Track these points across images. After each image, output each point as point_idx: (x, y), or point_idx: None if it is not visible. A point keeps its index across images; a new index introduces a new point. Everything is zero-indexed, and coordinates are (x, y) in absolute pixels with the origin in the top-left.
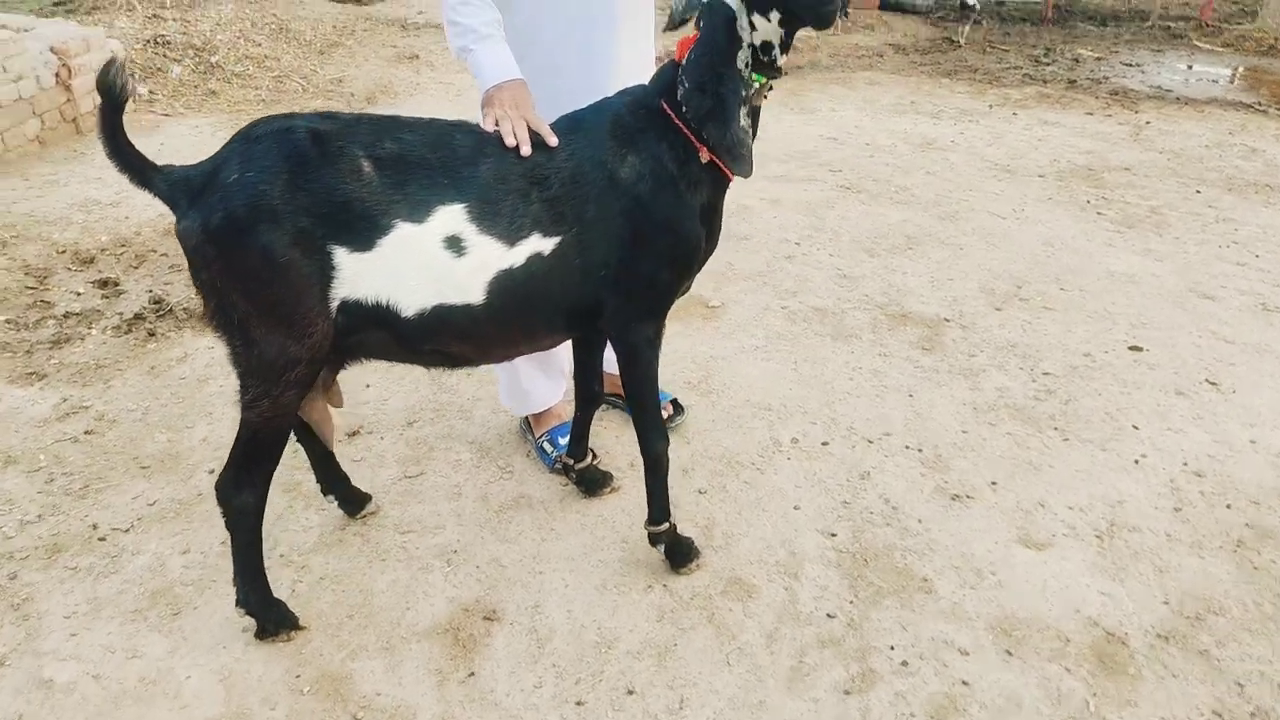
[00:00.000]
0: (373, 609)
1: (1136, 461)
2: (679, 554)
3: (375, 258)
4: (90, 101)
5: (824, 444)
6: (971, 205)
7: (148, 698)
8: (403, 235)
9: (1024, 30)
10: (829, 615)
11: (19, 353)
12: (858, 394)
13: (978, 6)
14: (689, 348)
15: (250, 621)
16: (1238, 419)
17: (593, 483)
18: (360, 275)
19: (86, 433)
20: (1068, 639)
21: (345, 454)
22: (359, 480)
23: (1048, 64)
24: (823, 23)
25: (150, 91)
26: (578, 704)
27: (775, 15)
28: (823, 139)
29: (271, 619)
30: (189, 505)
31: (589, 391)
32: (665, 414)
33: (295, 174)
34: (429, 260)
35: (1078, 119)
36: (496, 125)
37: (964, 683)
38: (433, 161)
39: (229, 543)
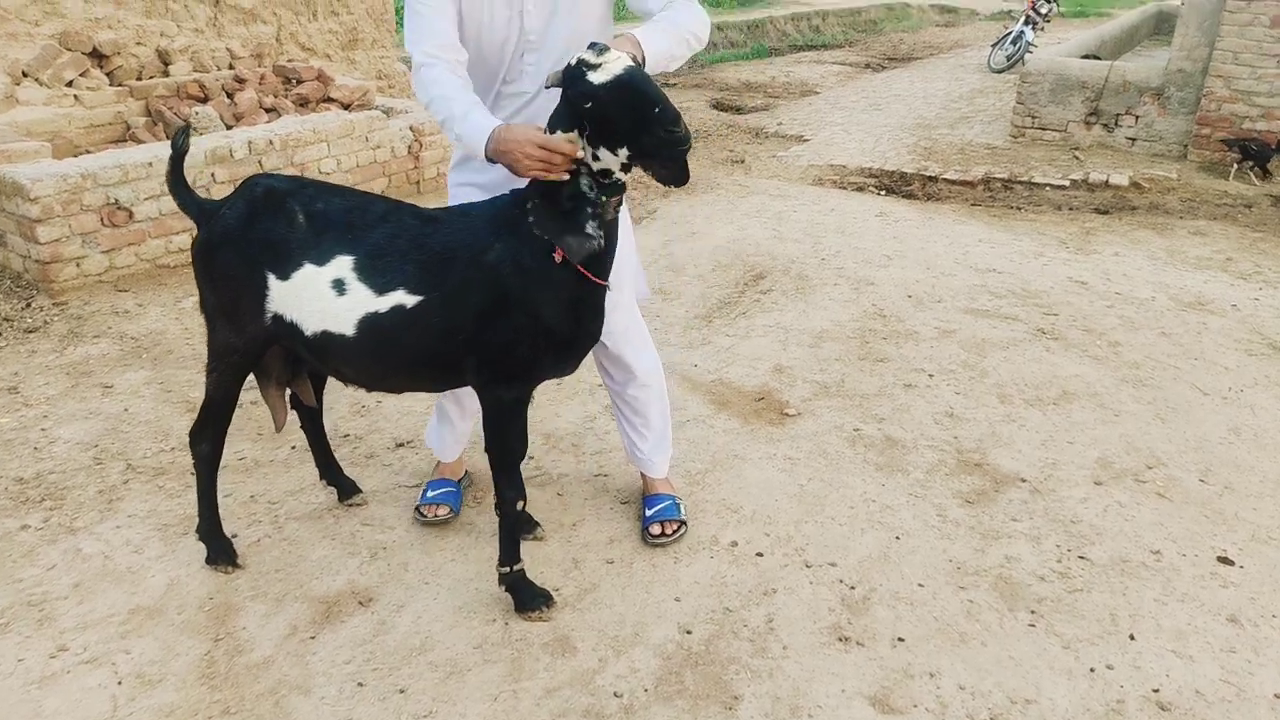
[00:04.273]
0: (294, 570)
1: (1093, 670)
2: (521, 599)
3: (290, 286)
4: (435, 169)
5: (758, 554)
6: (1179, 375)
7: (120, 579)
8: (308, 273)
9: None
10: (615, 694)
11: None
12: (841, 523)
13: None
14: (724, 443)
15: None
16: None
17: (520, 525)
18: (282, 297)
19: (252, 402)
20: None
21: (385, 459)
22: (380, 480)
23: None
24: (677, 180)
25: None
26: (359, 685)
27: (624, 152)
28: (1070, 281)
29: (215, 549)
30: (260, 464)
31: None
32: (669, 530)
33: (252, 217)
34: (320, 295)
35: None
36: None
37: None
38: (346, 222)
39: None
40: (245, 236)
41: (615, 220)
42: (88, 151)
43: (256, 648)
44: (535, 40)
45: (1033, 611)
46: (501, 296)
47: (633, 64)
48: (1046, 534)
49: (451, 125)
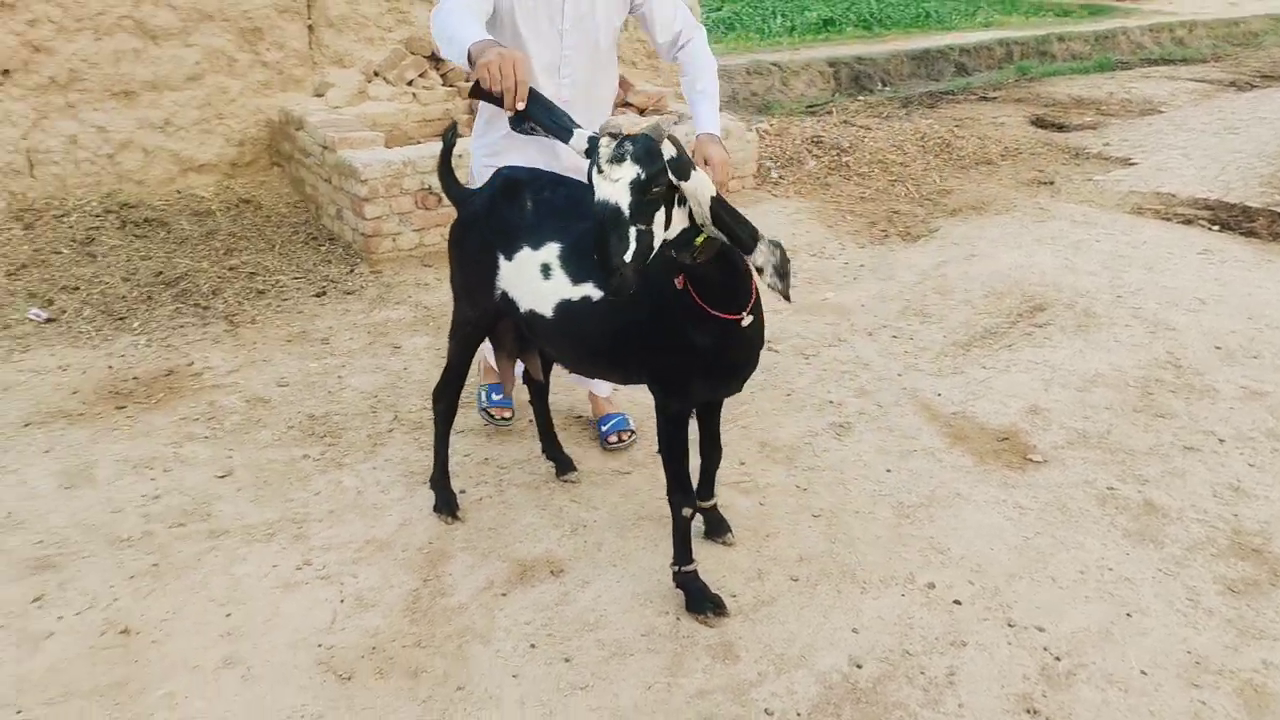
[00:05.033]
0: (503, 531)
1: None
2: (691, 598)
3: (513, 266)
4: (753, 165)
5: (955, 602)
6: None
7: (365, 513)
8: (525, 255)
9: None
10: (767, 711)
11: None
12: (1063, 586)
13: None
14: (948, 479)
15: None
16: None
17: (710, 525)
18: (507, 276)
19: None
20: None
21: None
22: (597, 462)
23: None
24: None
25: (780, 175)
26: (531, 646)
27: None
28: None
29: (441, 500)
30: (500, 431)
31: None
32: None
33: (494, 204)
34: (531, 276)
35: None
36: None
37: None
38: (564, 212)
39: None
40: (486, 221)
41: (731, 262)
42: (418, 143)
43: (455, 593)
44: (570, 54)
45: None
46: (658, 308)
47: (618, 201)
48: None
49: (450, 30)
